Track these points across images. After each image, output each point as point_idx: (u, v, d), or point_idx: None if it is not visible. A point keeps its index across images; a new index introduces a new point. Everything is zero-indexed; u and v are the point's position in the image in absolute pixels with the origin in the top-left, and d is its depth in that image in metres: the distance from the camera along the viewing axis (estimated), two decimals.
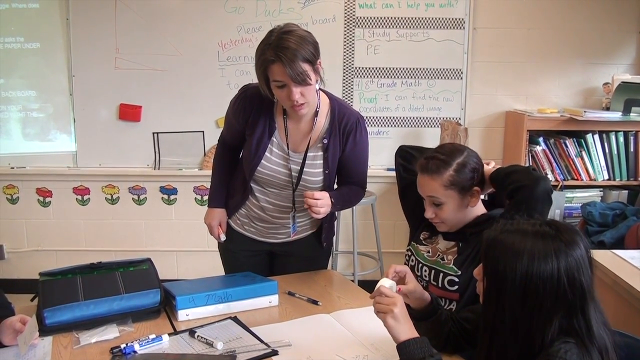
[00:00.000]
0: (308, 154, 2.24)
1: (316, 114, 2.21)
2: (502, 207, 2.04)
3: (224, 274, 2.53)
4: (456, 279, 2.00)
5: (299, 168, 2.25)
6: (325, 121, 2.24)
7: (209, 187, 4.33)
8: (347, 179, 2.36)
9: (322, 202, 2.14)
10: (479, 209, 2.07)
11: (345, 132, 2.24)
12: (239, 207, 2.42)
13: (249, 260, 2.46)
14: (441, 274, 2.03)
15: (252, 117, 2.24)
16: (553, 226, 1.39)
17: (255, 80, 2.12)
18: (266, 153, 2.24)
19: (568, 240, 1.35)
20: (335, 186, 2.41)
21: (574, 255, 1.34)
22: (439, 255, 2.08)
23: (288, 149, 2.24)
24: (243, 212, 2.42)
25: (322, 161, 2.26)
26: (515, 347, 1.36)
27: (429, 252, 2.11)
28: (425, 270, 2.09)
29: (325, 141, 2.23)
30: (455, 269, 2.00)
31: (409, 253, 2.20)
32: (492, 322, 1.39)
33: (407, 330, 1.55)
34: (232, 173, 2.45)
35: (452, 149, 2.03)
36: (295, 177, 2.26)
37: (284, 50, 1.95)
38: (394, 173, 2.35)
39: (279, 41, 1.97)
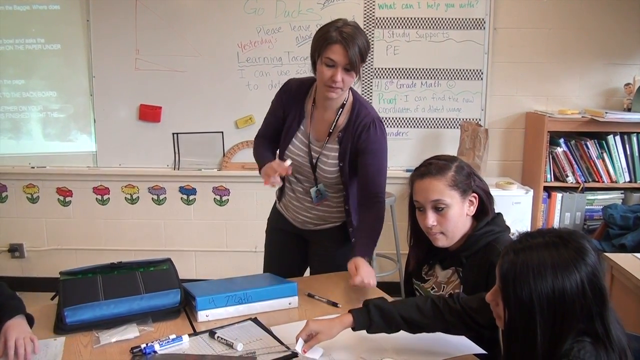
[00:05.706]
0: (326, 145, 2.38)
1: (342, 106, 2.37)
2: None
3: (241, 274, 2.50)
4: None
5: (317, 156, 2.40)
6: (346, 117, 2.38)
7: (228, 187, 4.38)
8: (363, 189, 2.41)
9: (365, 273, 2.13)
10: (468, 224, 2.01)
11: (359, 129, 2.34)
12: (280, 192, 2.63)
13: (287, 243, 2.66)
14: None
15: (289, 106, 2.43)
16: (558, 235, 1.35)
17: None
18: (293, 139, 2.42)
19: (578, 248, 1.31)
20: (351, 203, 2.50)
21: (588, 261, 1.30)
22: (443, 288, 2.03)
23: (310, 137, 2.40)
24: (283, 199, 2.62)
25: (337, 153, 2.38)
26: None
27: (433, 287, 2.07)
28: None
29: (341, 134, 2.36)
30: None
31: (417, 292, 2.15)
32: (521, 348, 1.33)
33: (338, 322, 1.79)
34: (274, 149, 2.53)
35: (445, 157, 2.04)
36: (314, 164, 2.41)
37: (349, 36, 2.16)
38: None
39: (344, 28, 2.18)
